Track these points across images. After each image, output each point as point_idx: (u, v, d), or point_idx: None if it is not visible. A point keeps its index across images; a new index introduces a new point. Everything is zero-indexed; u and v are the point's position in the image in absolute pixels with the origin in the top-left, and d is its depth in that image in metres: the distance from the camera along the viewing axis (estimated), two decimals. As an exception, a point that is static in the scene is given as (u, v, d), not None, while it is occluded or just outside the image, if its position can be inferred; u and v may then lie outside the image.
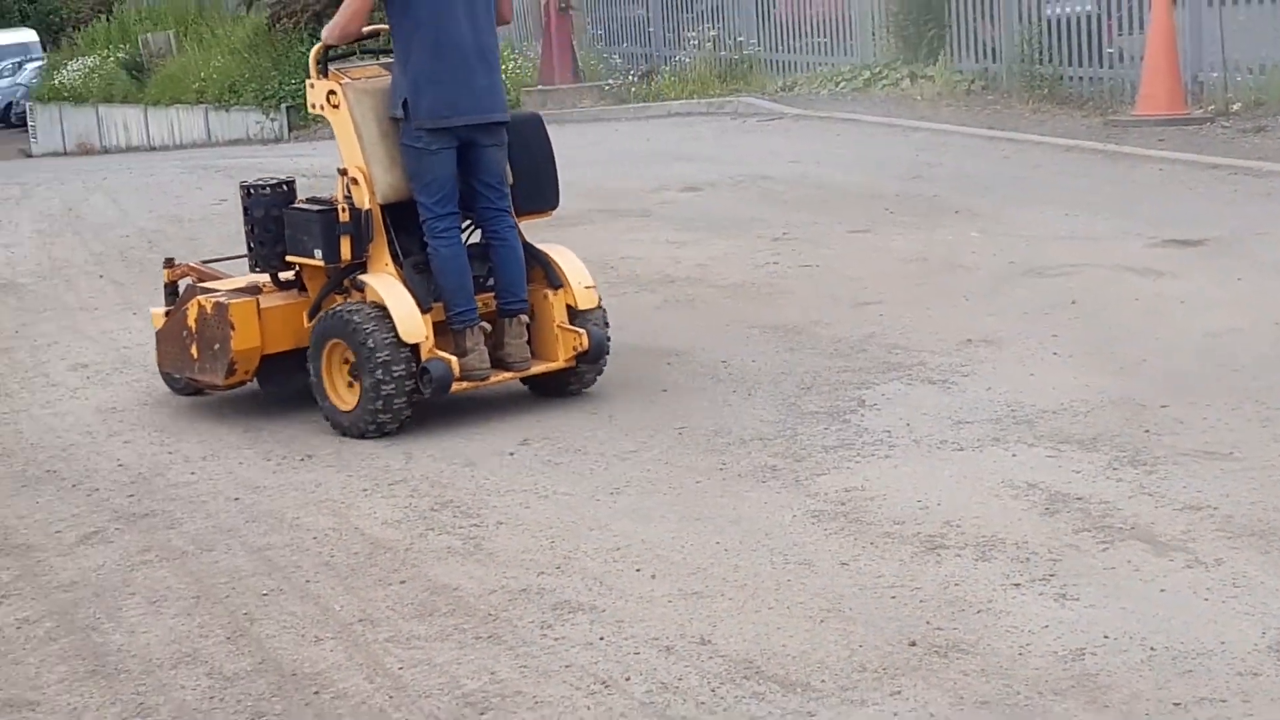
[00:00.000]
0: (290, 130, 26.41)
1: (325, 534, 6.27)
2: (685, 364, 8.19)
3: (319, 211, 8.11)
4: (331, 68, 8.35)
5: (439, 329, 7.95)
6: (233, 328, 8.00)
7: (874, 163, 14.35)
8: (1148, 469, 6.23)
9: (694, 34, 22.04)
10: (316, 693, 4.95)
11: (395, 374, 7.65)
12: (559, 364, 8.12)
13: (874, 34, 19.58)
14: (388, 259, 8.06)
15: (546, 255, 8.30)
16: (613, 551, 5.84)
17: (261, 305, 8.18)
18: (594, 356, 8.11)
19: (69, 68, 38.75)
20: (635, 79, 22.07)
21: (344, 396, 7.90)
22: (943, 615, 5.11)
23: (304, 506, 6.60)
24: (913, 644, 4.93)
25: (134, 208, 14.64)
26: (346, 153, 8.22)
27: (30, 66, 52.63)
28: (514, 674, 4.96)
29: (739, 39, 21.47)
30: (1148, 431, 6.64)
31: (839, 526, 5.90)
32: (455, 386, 7.83)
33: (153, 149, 29.70)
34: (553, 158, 8.73)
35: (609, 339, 8.16)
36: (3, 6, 75.52)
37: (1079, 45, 16.77)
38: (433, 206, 8.01)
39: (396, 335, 7.66)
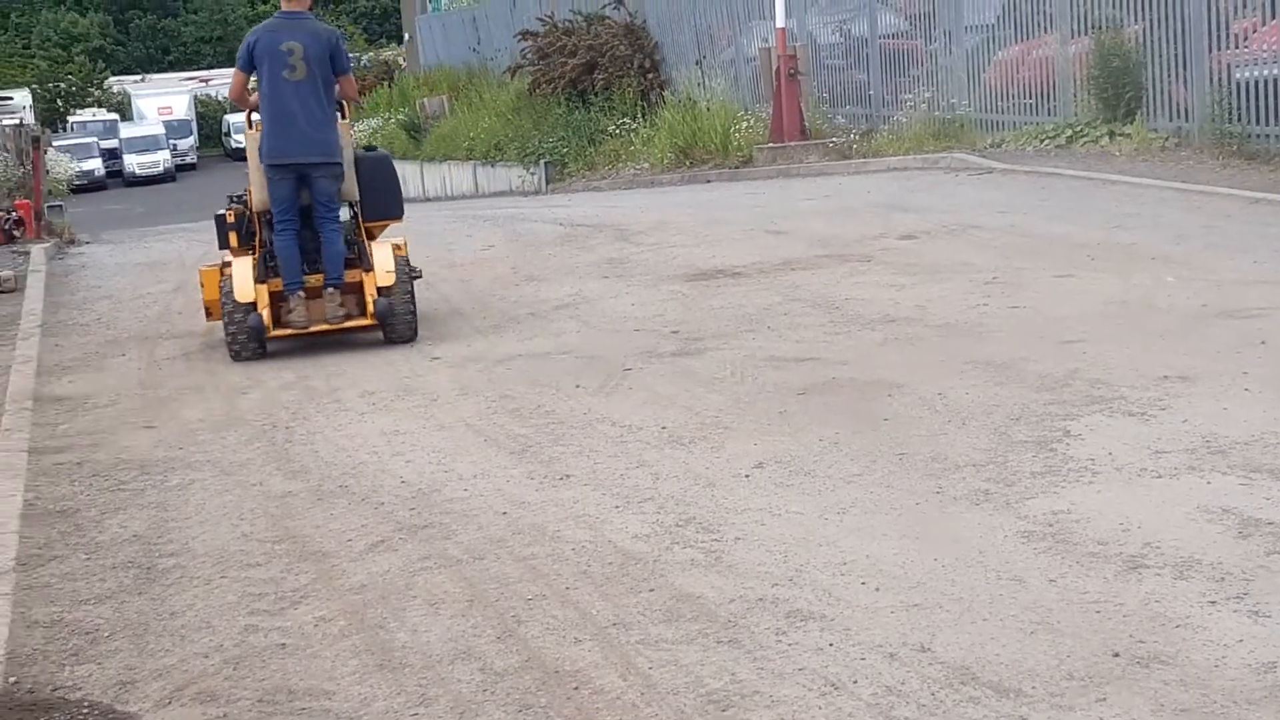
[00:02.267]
0: (548, 183, 26.73)
1: (582, 546, 6.32)
2: (904, 396, 8.16)
3: (219, 216, 11.35)
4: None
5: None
6: (202, 285, 11.28)
7: (1076, 213, 14.21)
8: (1335, 497, 6.11)
9: (910, 96, 22.00)
10: (576, 689, 4.99)
11: (235, 321, 10.64)
12: (366, 321, 10.90)
13: (1075, 95, 19.39)
14: (256, 247, 11.01)
15: (369, 249, 10.99)
16: (840, 566, 5.83)
17: (224, 272, 10.88)
18: (380, 319, 10.79)
19: (357, 128, 39.61)
20: (857, 137, 22.04)
21: None
22: (1144, 629, 5.04)
23: (563, 521, 6.66)
24: (1116, 655, 4.87)
25: (412, 254, 14.96)
26: (250, 178, 11.13)
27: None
28: (752, 675, 4.96)
29: (951, 100, 21.37)
30: (1334, 462, 6.50)
31: (1047, 546, 5.84)
32: (280, 332, 10.85)
33: (427, 200, 30.27)
34: (396, 183, 11.64)
35: (397, 309, 10.80)
36: (298, 75, 77.30)
37: (1267, 106, 16.45)
38: (277, 215, 10.83)
39: (234, 295, 10.57)
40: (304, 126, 10.72)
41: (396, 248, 11.20)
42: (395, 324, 10.77)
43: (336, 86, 11.08)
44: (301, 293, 10.79)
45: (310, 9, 11.23)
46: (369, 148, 11.59)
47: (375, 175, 11.28)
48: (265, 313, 10.63)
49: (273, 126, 10.77)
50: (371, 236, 11.23)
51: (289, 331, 10.81)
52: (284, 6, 11.06)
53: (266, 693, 5.17)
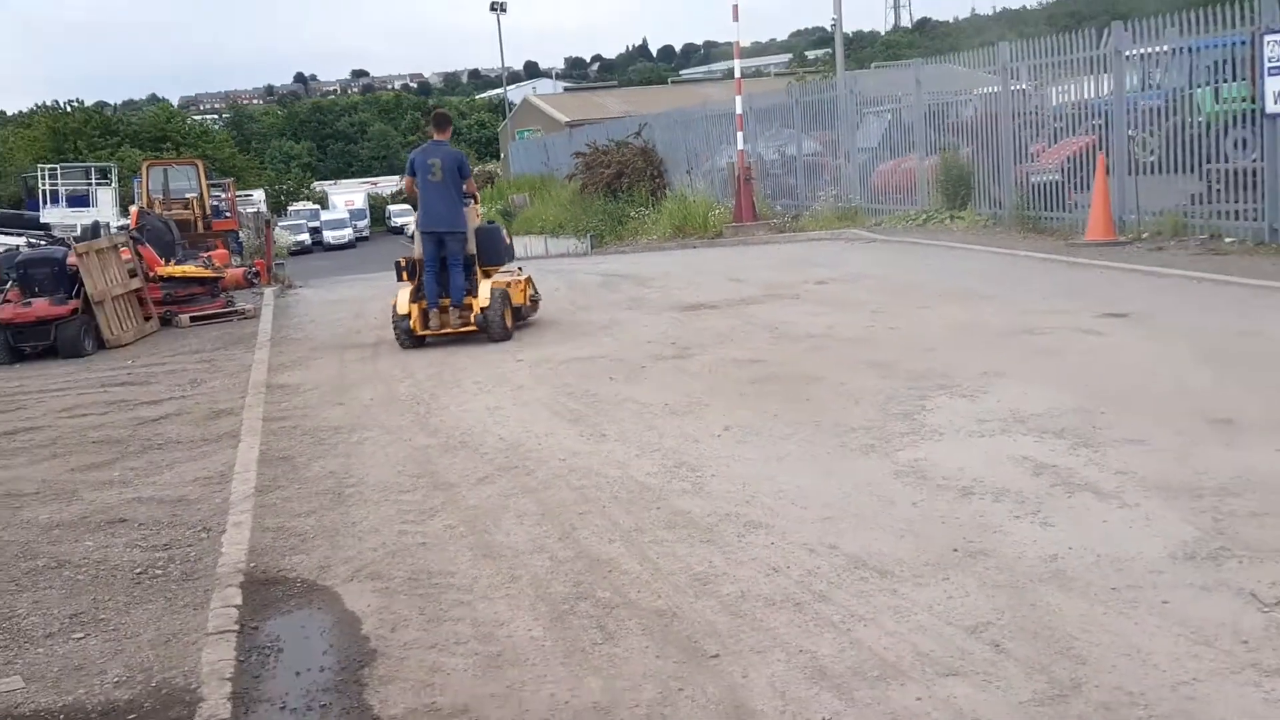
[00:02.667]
0: (592, 248, 26.68)
1: (614, 479, 6.32)
2: (820, 385, 8.13)
3: (396, 261, 11.72)
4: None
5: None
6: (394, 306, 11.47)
7: (929, 268, 14.15)
8: (1094, 449, 6.08)
9: (822, 193, 21.96)
10: (610, 571, 5.00)
11: (396, 325, 11.37)
12: (472, 328, 11.32)
13: (928, 192, 19.33)
14: (418, 279, 11.45)
15: (479, 282, 11.45)
16: (778, 493, 5.83)
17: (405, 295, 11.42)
18: (480, 326, 11.26)
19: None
20: (789, 219, 21.96)
21: None
22: (973, 534, 5.04)
23: (602, 464, 6.65)
24: (955, 550, 4.87)
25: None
26: (414, 239, 11.58)
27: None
28: (722, 562, 4.97)
29: (849, 196, 21.31)
30: (1095, 427, 6.47)
31: (911, 481, 5.83)
32: (424, 331, 11.35)
33: (514, 260, 30.19)
34: (501, 243, 11.87)
35: (491, 320, 11.18)
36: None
37: (1050, 198, 16.42)
38: (426, 262, 11.40)
39: (397, 309, 11.30)
40: (440, 210, 11.35)
41: (519, 282, 11.98)
42: (490, 329, 11.21)
43: (465, 185, 11.49)
44: (436, 309, 11.39)
45: (448, 138, 11.71)
46: (490, 222, 12.22)
47: (487, 239, 11.76)
48: (413, 320, 11.31)
49: (423, 209, 11.45)
50: (488, 275, 11.65)
51: (429, 332, 11.38)
52: (434, 137, 11.64)
53: (413, 573, 5.19)
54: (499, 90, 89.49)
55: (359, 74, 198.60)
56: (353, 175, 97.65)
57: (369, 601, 4.91)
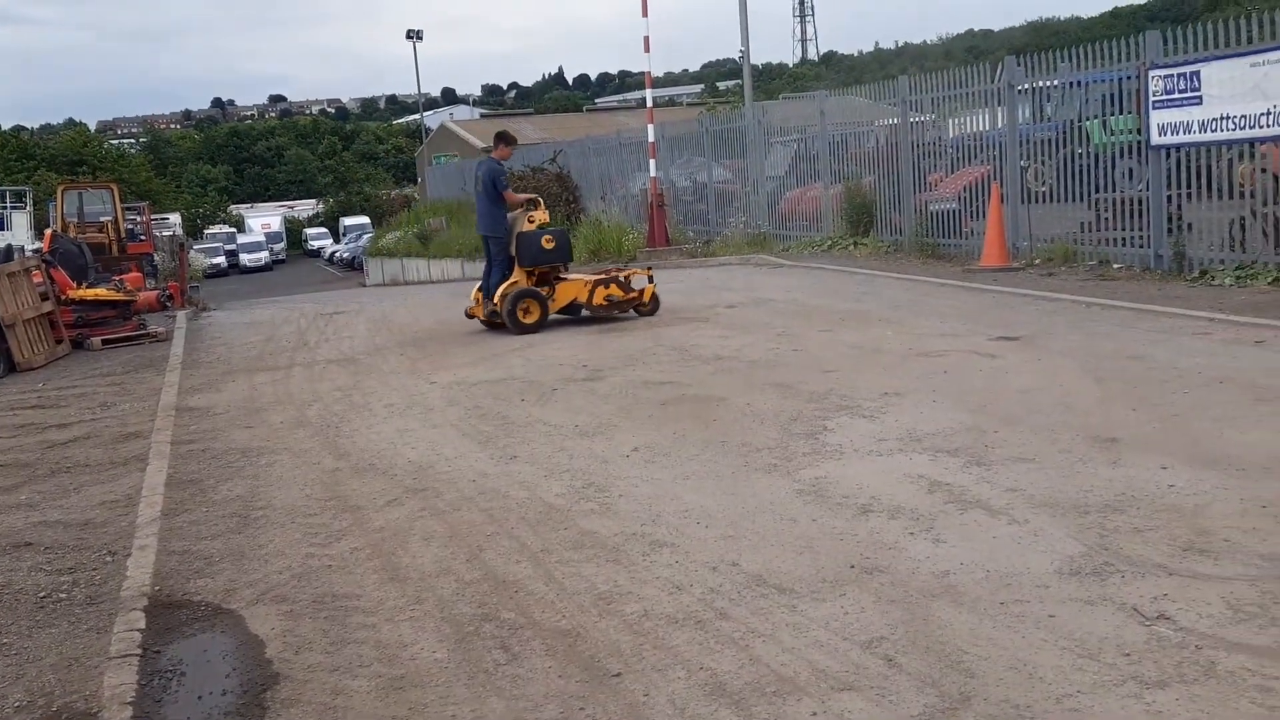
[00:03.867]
0: (508, 273, 26.61)
1: (522, 501, 6.27)
2: (726, 406, 8.15)
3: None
4: None
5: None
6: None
7: (832, 292, 14.29)
8: (986, 467, 6.16)
9: (733, 220, 22.10)
10: (517, 591, 4.95)
11: (465, 309, 13.24)
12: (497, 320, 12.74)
13: (833, 220, 19.56)
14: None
15: (502, 286, 12.62)
16: (683, 512, 5.82)
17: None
18: (494, 316, 12.73)
19: (387, 237, 39.44)
20: (701, 244, 22.06)
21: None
22: (870, 550, 5.07)
23: (511, 485, 6.60)
24: (853, 566, 4.89)
25: (422, 315, 14.80)
26: None
27: (365, 237, 53.42)
28: (627, 581, 4.95)
29: (758, 223, 21.47)
30: (987, 446, 6.56)
31: (811, 499, 5.86)
32: (481, 318, 13.01)
33: (431, 283, 29.95)
34: (538, 247, 12.58)
35: (501, 315, 12.49)
36: (353, 205, 76.97)
37: (948, 226, 16.70)
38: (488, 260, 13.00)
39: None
40: (482, 215, 12.96)
41: (586, 284, 12.87)
42: (503, 321, 12.59)
43: (504, 195, 12.71)
44: (485, 301, 12.93)
45: (500, 155, 12.92)
46: (542, 227, 12.75)
47: (526, 242, 12.63)
48: (475, 306, 13.14)
49: (477, 215, 13.20)
50: (532, 275, 12.79)
51: (482, 319, 13.06)
52: (490, 154, 13.09)
53: (319, 596, 5.10)
54: (416, 116, 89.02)
55: (277, 99, 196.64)
56: (269, 199, 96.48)
57: (274, 624, 4.81)
